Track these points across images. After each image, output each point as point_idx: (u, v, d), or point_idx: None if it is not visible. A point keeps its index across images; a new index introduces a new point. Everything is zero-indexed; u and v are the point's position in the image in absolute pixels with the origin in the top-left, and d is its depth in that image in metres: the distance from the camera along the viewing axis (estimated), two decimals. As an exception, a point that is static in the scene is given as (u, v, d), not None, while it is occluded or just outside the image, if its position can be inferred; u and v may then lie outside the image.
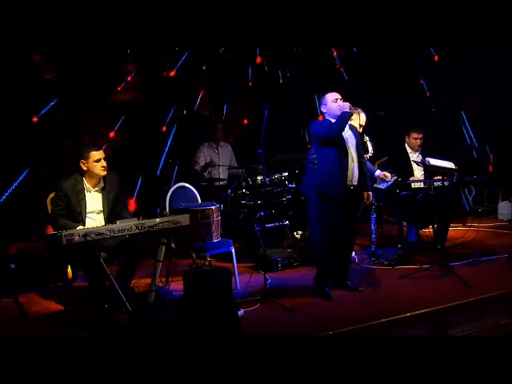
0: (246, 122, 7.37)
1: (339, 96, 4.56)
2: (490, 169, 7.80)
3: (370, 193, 4.75)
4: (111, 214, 4.41)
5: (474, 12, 5.84)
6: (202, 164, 6.49)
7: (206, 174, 6.49)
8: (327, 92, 4.63)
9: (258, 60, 7.15)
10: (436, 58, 7.63)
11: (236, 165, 6.72)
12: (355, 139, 4.63)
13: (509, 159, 7.42)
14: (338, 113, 4.48)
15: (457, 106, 7.86)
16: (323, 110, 4.62)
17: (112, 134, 6.40)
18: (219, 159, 6.57)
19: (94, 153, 4.27)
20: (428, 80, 7.82)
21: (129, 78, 6.48)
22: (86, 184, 4.35)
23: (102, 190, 4.41)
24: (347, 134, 4.58)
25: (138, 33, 5.60)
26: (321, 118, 4.92)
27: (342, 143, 4.50)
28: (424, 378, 3.06)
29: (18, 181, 5.73)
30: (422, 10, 5.76)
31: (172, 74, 6.72)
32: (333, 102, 4.53)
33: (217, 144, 6.63)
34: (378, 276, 5.13)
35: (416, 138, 5.87)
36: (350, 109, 4.47)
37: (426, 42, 6.62)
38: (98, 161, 4.28)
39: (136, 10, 5.23)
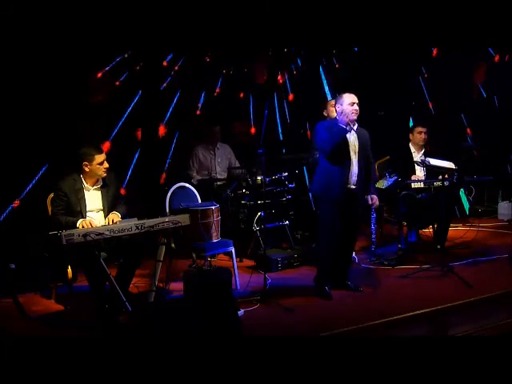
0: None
1: (356, 100, 4.46)
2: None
3: (374, 195, 4.73)
4: (111, 212, 4.40)
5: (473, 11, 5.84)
6: (196, 167, 6.48)
7: (203, 176, 6.48)
8: (345, 92, 4.53)
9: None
10: (434, 53, 7.59)
11: (237, 164, 6.69)
12: (358, 141, 4.59)
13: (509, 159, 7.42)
14: (346, 119, 4.43)
15: (457, 106, 7.86)
16: (337, 109, 4.52)
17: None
18: (215, 160, 6.55)
19: (97, 155, 4.26)
20: (428, 79, 7.82)
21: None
22: (85, 183, 4.34)
23: (101, 189, 4.40)
24: (352, 136, 4.54)
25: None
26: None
27: (344, 146, 4.48)
28: (424, 378, 3.06)
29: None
30: (421, 9, 5.76)
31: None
32: (349, 105, 4.44)
33: (213, 146, 6.60)
34: (378, 276, 5.13)
35: (420, 132, 5.86)
36: (349, 126, 4.41)
37: (426, 40, 6.62)
38: (101, 163, 4.28)
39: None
